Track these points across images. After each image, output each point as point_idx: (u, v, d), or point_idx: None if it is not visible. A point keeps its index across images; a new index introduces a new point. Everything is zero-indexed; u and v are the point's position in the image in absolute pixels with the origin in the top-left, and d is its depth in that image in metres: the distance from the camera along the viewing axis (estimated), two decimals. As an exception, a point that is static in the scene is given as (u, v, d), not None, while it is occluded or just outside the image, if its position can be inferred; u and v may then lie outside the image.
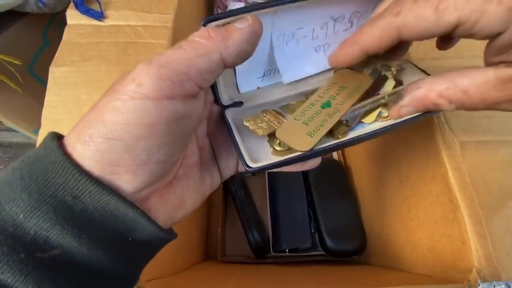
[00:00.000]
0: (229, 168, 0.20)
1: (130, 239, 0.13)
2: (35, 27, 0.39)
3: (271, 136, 0.19)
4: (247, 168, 0.17)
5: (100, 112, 0.13)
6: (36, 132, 0.42)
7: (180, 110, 0.13)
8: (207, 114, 0.20)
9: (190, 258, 0.33)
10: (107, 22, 0.27)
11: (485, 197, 0.20)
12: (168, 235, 0.15)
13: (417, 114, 0.17)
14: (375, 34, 0.16)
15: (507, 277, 0.18)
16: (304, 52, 0.20)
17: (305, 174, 0.40)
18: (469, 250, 0.19)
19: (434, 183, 0.23)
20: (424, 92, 0.16)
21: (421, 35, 0.15)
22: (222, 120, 0.20)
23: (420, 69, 0.20)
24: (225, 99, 0.20)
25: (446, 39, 0.18)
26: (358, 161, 0.40)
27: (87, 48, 0.26)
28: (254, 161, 0.17)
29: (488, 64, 0.15)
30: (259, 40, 0.15)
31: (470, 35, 0.14)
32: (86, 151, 0.12)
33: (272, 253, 0.37)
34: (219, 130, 0.20)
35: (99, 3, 0.26)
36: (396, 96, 0.18)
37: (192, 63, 0.13)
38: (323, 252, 0.37)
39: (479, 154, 0.21)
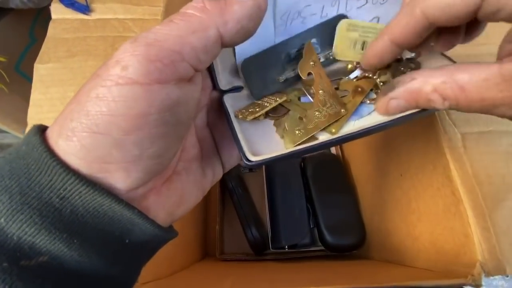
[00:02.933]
0: (232, 159, 0.18)
1: (126, 241, 0.12)
2: (21, 24, 0.38)
3: (277, 122, 0.18)
4: (247, 162, 0.15)
5: (82, 101, 0.11)
6: (26, 132, 0.41)
7: (173, 96, 0.12)
8: (207, 101, 0.18)
9: (188, 257, 0.33)
10: (93, 16, 0.26)
11: (488, 189, 0.19)
12: (168, 234, 0.14)
13: (408, 112, 0.15)
14: (401, 21, 0.14)
15: (512, 271, 0.17)
16: None
17: (303, 168, 0.40)
18: (472, 244, 0.18)
19: (435, 176, 0.22)
20: (419, 84, 0.14)
21: (446, 13, 0.13)
22: (222, 108, 0.18)
23: (446, 57, 0.18)
24: (223, 83, 0.18)
25: (471, 26, 0.16)
26: (356, 154, 0.39)
27: (74, 43, 0.25)
28: (255, 153, 0.16)
29: (500, 56, 0.14)
30: (263, 17, 0.13)
31: (495, 14, 0.12)
32: (69, 148, 0.11)
33: (271, 249, 0.37)
34: (221, 119, 0.18)
35: (85, -5, 0.25)
36: (386, 87, 0.15)
37: (185, 40, 0.12)
38: (322, 248, 0.37)
39: (481, 145, 0.20)
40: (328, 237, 0.35)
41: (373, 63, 0.17)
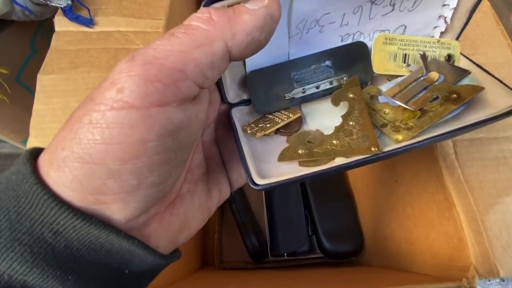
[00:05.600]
0: (241, 178, 0.17)
1: (126, 271, 0.12)
2: (22, 36, 0.39)
3: (290, 139, 0.16)
4: (253, 186, 0.14)
5: (74, 128, 0.10)
6: (24, 142, 0.41)
7: (175, 120, 0.11)
8: (215, 116, 0.17)
9: (187, 267, 0.33)
10: (96, 29, 0.27)
11: (480, 194, 0.20)
12: (170, 259, 0.13)
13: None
14: None
15: (505, 273, 0.18)
16: (326, 42, 0.17)
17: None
18: (466, 248, 0.19)
19: (428, 181, 0.23)
20: None
21: None
22: (230, 122, 0.17)
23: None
24: (231, 97, 0.17)
25: None
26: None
27: (77, 55, 0.26)
28: (263, 174, 0.14)
29: None
30: (276, 27, 0.12)
31: None
32: (60, 179, 0.10)
33: (270, 257, 0.37)
34: (229, 135, 0.17)
35: (88, 9, 0.26)
36: None
37: (188, 56, 0.10)
38: (321, 255, 0.37)
39: (472, 151, 0.21)
40: (326, 244, 0.35)
41: None
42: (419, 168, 0.24)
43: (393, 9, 0.17)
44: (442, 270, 0.21)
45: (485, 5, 0.27)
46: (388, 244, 0.30)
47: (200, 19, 0.11)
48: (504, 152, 0.21)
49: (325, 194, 0.38)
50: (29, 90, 0.40)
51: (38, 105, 0.24)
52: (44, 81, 0.25)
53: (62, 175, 0.10)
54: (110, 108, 0.10)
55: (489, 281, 0.18)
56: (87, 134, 0.10)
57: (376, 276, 0.29)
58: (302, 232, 0.36)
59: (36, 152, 0.11)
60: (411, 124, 0.16)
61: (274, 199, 0.38)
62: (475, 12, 0.18)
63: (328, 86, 0.18)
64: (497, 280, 0.17)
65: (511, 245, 0.18)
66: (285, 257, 0.36)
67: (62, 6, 0.25)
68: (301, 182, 0.16)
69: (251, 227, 0.38)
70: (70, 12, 0.26)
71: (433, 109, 0.16)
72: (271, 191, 0.39)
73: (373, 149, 0.15)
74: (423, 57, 0.18)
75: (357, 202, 0.38)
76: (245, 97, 0.18)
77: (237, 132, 0.16)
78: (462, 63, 0.19)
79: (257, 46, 0.12)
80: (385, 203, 0.30)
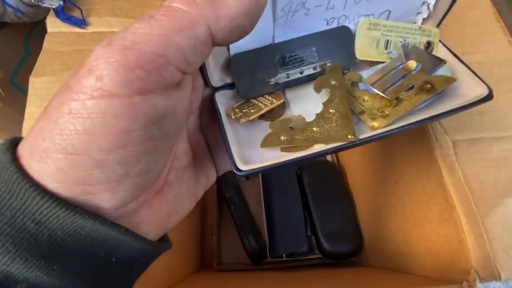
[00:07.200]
0: (227, 164, 0.17)
1: (113, 259, 0.12)
2: (15, 37, 0.38)
3: (273, 124, 0.16)
4: (236, 172, 0.14)
5: (53, 117, 0.10)
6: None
7: (159, 107, 0.10)
8: (199, 102, 0.16)
9: (185, 268, 0.32)
10: (89, 29, 0.26)
11: (480, 195, 0.19)
12: (159, 247, 0.14)
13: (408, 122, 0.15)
14: None
15: (506, 276, 0.17)
16: (312, 25, 0.17)
17: (299, 176, 0.40)
18: (467, 250, 0.19)
19: (428, 183, 0.22)
20: None
21: None
22: (214, 107, 0.17)
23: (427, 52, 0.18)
24: (215, 80, 0.17)
25: None
26: (352, 162, 0.40)
27: (69, 56, 0.25)
28: (247, 159, 0.15)
29: None
30: (262, 13, 0.11)
31: None
32: (43, 170, 0.10)
33: (269, 258, 0.36)
34: (214, 121, 0.16)
35: (81, 10, 0.26)
36: None
37: (170, 40, 0.10)
38: (320, 255, 0.37)
39: (472, 152, 0.21)
40: (325, 245, 0.35)
41: None
42: (419, 169, 0.23)
43: None
44: (442, 272, 0.21)
45: (485, 1, 0.26)
46: (387, 245, 0.29)
47: (181, 1, 0.10)
48: (505, 152, 0.20)
49: (324, 194, 0.38)
50: (24, 92, 0.40)
51: (30, 108, 0.23)
52: (36, 83, 0.24)
53: (45, 167, 0.10)
54: (90, 97, 0.09)
55: (491, 283, 0.17)
56: (68, 125, 0.10)
57: (375, 277, 0.28)
58: (301, 233, 0.36)
59: (16, 142, 0.11)
60: (387, 112, 0.16)
61: (272, 200, 0.38)
62: (474, 9, 0.17)
63: (312, 72, 0.18)
64: (500, 283, 0.17)
65: (512, 247, 0.18)
66: (284, 258, 0.36)
67: (54, 6, 0.25)
68: (283, 168, 0.16)
69: (249, 228, 0.38)
70: (62, 13, 0.25)
71: (408, 98, 0.17)
72: (269, 190, 0.39)
73: (349, 136, 0.15)
74: (404, 46, 0.19)
75: (356, 203, 0.38)
76: (228, 80, 0.17)
77: (221, 119, 0.16)
78: (441, 50, 0.19)
79: (241, 32, 0.11)
80: (384, 204, 0.30)
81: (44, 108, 0.10)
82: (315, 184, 0.38)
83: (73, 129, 0.09)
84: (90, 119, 0.09)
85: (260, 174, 0.39)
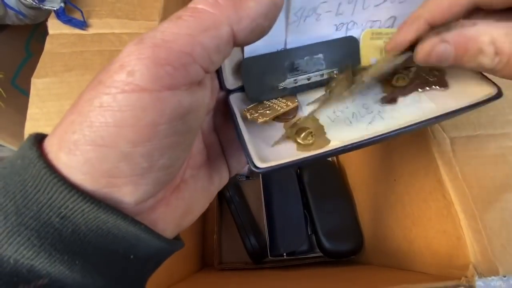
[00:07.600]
0: (240, 164, 0.18)
1: (131, 257, 0.12)
2: (17, 39, 0.38)
3: (287, 125, 0.17)
4: (255, 169, 0.14)
5: (84, 111, 0.10)
6: (22, 145, 0.41)
7: (185, 103, 0.11)
8: (214, 104, 0.17)
9: (186, 268, 0.33)
10: (90, 31, 0.26)
11: (478, 192, 0.20)
12: (174, 245, 0.14)
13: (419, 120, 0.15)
14: (442, 3, 0.13)
15: (504, 271, 0.18)
16: (322, 30, 0.18)
17: (299, 175, 0.40)
18: (465, 246, 0.19)
19: (426, 180, 0.23)
20: (477, 31, 0.12)
21: None
22: (229, 109, 0.17)
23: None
24: (230, 82, 0.17)
25: None
26: (351, 160, 0.40)
27: (71, 57, 0.25)
28: (263, 159, 0.15)
29: None
30: (279, 15, 0.12)
31: None
32: (72, 162, 0.10)
33: (270, 257, 0.37)
34: (227, 122, 0.17)
35: (81, 12, 0.26)
36: (443, 28, 0.14)
37: (196, 39, 0.11)
38: (321, 254, 0.37)
39: (470, 148, 0.21)
40: (326, 243, 0.35)
41: (402, 46, 0.15)
42: (417, 166, 0.24)
43: (384, 0, 0.17)
44: (441, 268, 0.21)
45: None
46: (387, 243, 0.30)
47: (206, 2, 0.11)
48: (502, 149, 0.21)
49: (324, 193, 0.38)
50: (25, 93, 0.40)
51: (32, 109, 0.24)
52: (38, 84, 0.24)
53: (74, 158, 0.10)
54: (121, 91, 0.10)
55: (490, 279, 0.17)
56: (99, 117, 0.10)
57: (375, 274, 0.29)
58: (302, 231, 0.36)
59: (40, 138, 0.11)
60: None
61: (273, 199, 0.38)
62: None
63: (319, 79, 0.19)
64: (498, 277, 0.17)
65: (510, 243, 0.18)
66: (285, 256, 0.36)
67: (55, 8, 0.25)
68: (299, 167, 0.16)
69: (250, 227, 0.38)
70: (63, 15, 0.25)
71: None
72: (269, 190, 0.39)
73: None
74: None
75: (356, 201, 0.38)
76: (241, 83, 0.18)
77: (237, 118, 0.16)
78: None
79: (261, 32, 0.12)
80: (384, 202, 0.30)
81: (74, 103, 0.11)
82: (315, 183, 0.39)
83: (104, 121, 0.10)
84: (120, 112, 0.10)
85: (260, 174, 0.40)
